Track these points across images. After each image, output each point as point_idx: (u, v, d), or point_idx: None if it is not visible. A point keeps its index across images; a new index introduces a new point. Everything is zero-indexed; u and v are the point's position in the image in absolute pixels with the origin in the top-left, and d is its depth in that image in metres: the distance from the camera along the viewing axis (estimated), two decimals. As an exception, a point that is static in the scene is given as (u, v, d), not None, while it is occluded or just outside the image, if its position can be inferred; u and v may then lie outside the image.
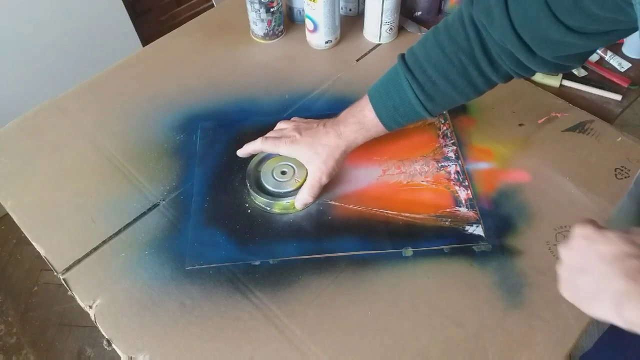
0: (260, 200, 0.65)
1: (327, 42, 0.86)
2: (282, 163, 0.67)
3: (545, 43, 0.50)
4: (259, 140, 0.67)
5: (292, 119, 0.70)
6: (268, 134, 0.68)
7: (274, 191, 0.65)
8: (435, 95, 0.58)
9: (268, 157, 0.69)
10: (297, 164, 0.66)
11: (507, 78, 0.58)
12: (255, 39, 0.89)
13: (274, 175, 0.66)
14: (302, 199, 0.63)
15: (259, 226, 0.63)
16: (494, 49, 0.54)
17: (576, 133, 0.71)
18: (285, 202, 0.64)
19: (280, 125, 0.69)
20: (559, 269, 0.46)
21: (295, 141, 0.64)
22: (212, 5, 1.66)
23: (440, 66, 0.56)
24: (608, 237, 0.41)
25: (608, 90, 0.78)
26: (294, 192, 0.65)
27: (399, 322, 0.55)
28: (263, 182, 0.66)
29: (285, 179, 0.66)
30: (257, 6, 0.83)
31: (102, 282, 0.59)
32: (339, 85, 0.81)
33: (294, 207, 0.64)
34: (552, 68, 0.54)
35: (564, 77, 0.80)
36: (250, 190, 0.65)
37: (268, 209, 0.65)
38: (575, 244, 0.44)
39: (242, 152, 0.69)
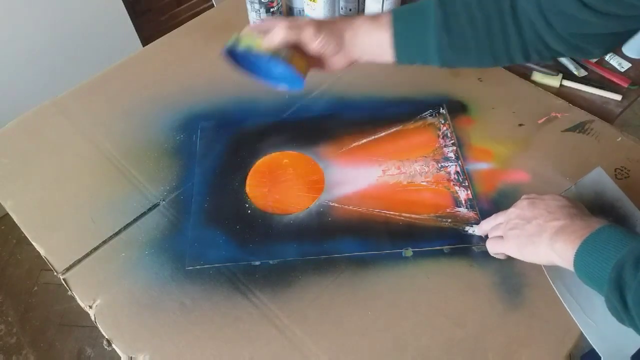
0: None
1: (327, 42, 0.86)
2: None
3: (560, 16, 0.49)
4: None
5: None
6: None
7: None
8: (454, 31, 0.53)
9: None
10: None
11: (526, 54, 0.55)
12: (255, 39, 0.89)
13: None
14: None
15: (259, 227, 0.63)
16: (522, 16, 0.52)
17: (576, 133, 0.71)
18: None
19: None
20: (496, 231, 0.57)
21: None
22: (212, 5, 1.66)
23: (469, 6, 0.53)
24: (553, 196, 0.54)
25: (608, 90, 0.78)
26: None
27: (399, 322, 0.55)
28: None
29: None
30: (257, 6, 0.83)
31: (102, 282, 0.59)
32: (339, 85, 0.81)
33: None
34: (571, 49, 0.52)
35: (564, 77, 0.80)
36: None
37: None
38: (523, 204, 0.55)
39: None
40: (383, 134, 0.72)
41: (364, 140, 0.72)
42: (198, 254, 0.61)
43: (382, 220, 0.63)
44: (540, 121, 0.73)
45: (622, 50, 0.85)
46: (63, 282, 0.60)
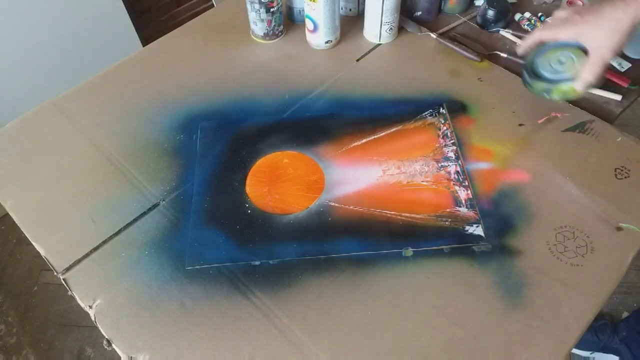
0: (538, 86, 0.65)
1: (327, 42, 0.86)
2: (558, 53, 0.65)
3: None
4: (537, 30, 0.67)
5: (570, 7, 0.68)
6: (547, 22, 0.69)
7: (552, 78, 0.65)
8: None
9: (542, 51, 0.67)
10: (577, 54, 0.64)
11: None
12: (255, 39, 0.89)
13: (551, 64, 0.65)
14: (584, 79, 0.62)
15: (259, 227, 0.63)
16: None
17: (576, 133, 0.71)
18: (564, 86, 0.63)
19: (557, 14, 0.67)
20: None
21: (576, 22, 0.63)
22: (212, 5, 1.66)
23: None
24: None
25: (608, 90, 0.78)
26: (574, 79, 0.63)
27: (399, 322, 0.55)
28: (540, 70, 0.66)
29: (563, 68, 0.64)
30: (257, 6, 0.83)
31: (102, 282, 0.59)
32: (339, 85, 0.81)
33: (574, 92, 0.63)
34: None
35: (564, 77, 0.80)
36: (527, 77, 0.66)
37: (546, 96, 0.65)
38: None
39: (522, 48, 0.69)
40: (383, 133, 0.72)
41: (364, 140, 0.72)
42: (198, 254, 0.61)
43: (382, 220, 0.63)
44: (540, 121, 0.73)
45: (622, 50, 0.85)
46: (63, 282, 0.60)
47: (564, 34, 0.64)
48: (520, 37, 0.87)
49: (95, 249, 0.62)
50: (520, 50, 0.70)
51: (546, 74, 0.65)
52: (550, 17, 0.68)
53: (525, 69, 0.67)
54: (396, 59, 0.85)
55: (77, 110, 0.79)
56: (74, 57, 1.37)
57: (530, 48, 0.68)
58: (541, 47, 0.68)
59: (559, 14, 0.67)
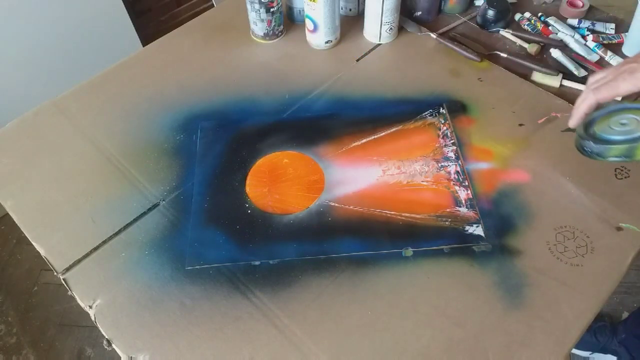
0: (615, 151, 0.57)
1: (327, 42, 0.86)
2: (613, 119, 0.59)
3: None
4: (587, 94, 0.58)
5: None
6: (589, 86, 0.59)
7: (629, 138, 0.57)
8: None
9: (593, 121, 0.61)
10: (635, 113, 0.58)
11: None
12: (255, 39, 0.89)
13: (614, 128, 0.59)
14: None
15: (259, 227, 0.63)
16: None
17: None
18: None
19: (597, 75, 0.59)
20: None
21: (636, 70, 0.54)
22: (212, 5, 1.66)
23: None
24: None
25: (608, 90, 0.78)
26: None
27: (399, 322, 0.55)
28: (608, 136, 0.59)
29: (632, 126, 0.58)
30: (257, 6, 0.83)
31: (102, 282, 0.59)
32: (339, 85, 0.81)
33: None
34: None
35: (564, 77, 0.80)
36: (594, 147, 0.59)
37: (627, 159, 0.58)
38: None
39: (576, 118, 0.61)
40: (383, 133, 0.72)
41: (364, 140, 0.72)
42: (198, 254, 0.61)
43: (382, 220, 0.63)
44: (540, 121, 0.73)
45: (622, 51, 0.85)
46: (63, 282, 0.60)
47: (625, 86, 0.55)
48: (520, 37, 0.87)
49: (95, 249, 0.62)
50: (573, 122, 0.62)
51: (619, 136, 0.58)
52: (586, 84, 0.60)
53: (586, 140, 0.60)
54: (396, 59, 0.85)
55: (77, 110, 0.79)
56: (74, 57, 1.37)
57: (585, 115, 0.61)
58: (587, 118, 0.62)
59: (596, 77, 0.60)
